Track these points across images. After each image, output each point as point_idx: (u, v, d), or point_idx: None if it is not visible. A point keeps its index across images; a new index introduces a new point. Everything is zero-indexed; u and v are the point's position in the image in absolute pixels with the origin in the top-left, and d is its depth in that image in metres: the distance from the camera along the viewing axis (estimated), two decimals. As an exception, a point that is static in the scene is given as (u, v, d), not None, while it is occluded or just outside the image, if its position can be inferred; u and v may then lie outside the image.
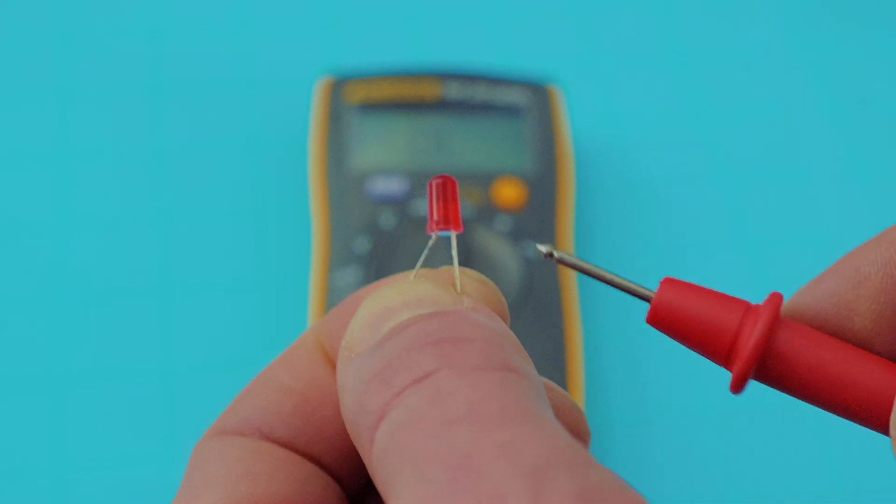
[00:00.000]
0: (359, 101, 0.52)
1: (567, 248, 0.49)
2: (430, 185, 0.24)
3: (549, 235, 0.49)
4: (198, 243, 0.52)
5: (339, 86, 0.52)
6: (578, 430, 0.25)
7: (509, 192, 0.50)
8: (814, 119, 0.58)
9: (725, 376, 0.24)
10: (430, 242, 0.24)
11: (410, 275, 0.24)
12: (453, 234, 0.24)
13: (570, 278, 0.48)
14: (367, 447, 0.20)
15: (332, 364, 0.24)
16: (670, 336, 0.24)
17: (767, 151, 0.57)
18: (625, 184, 0.55)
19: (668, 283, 0.24)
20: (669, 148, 0.57)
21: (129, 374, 0.48)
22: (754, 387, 0.24)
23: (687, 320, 0.23)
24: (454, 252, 0.24)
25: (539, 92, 0.53)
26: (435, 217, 0.24)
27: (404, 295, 0.22)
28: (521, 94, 0.53)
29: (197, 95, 0.56)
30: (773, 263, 0.53)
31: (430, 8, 0.60)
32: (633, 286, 0.24)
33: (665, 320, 0.24)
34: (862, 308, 0.23)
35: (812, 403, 0.23)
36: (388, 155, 0.51)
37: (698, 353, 0.24)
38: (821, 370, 0.23)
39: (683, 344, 0.24)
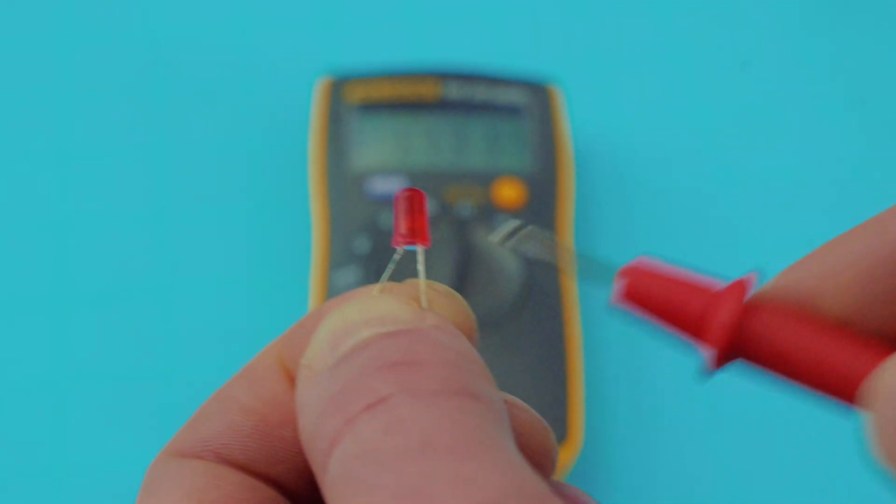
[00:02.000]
0: (359, 101, 0.52)
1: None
2: (396, 198, 0.24)
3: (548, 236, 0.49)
4: (198, 243, 0.52)
5: (339, 86, 0.52)
6: (545, 451, 0.24)
7: (509, 192, 0.50)
8: (813, 119, 0.58)
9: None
10: (395, 256, 0.24)
11: (374, 289, 0.23)
12: (420, 248, 0.24)
13: (570, 278, 0.48)
14: (321, 472, 0.20)
15: (293, 381, 0.23)
16: (642, 315, 0.23)
17: (767, 151, 0.57)
18: (625, 183, 0.55)
19: (637, 264, 0.23)
20: (669, 148, 0.57)
21: (127, 374, 0.48)
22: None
23: (658, 300, 0.23)
24: (420, 266, 0.23)
25: (539, 92, 0.53)
26: (401, 230, 0.24)
27: (365, 312, 0.21)
28: (521, 94, 0.53)
29: (197, 95, 0.56)
30: (773, 263, 0.53)
31: (430, 8, 0.60)
32: (600, 265, 0.24)
33: (636, 300, 0.23)
34: (833, 298, 0.22)
35: (788, 382, 0.22)
36: (388, 155, 0.51)
37: (671, 331, 0.23)
38: (795, 345, 0.22)
39: (655, 322, 0.23)
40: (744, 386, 0.49)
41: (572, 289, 0.48)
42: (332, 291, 0.47)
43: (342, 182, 0.50)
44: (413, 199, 0.24)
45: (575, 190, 0.51)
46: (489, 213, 0.49)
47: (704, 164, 0.56)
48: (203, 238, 0.52)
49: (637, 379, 0.50)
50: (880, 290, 0.22)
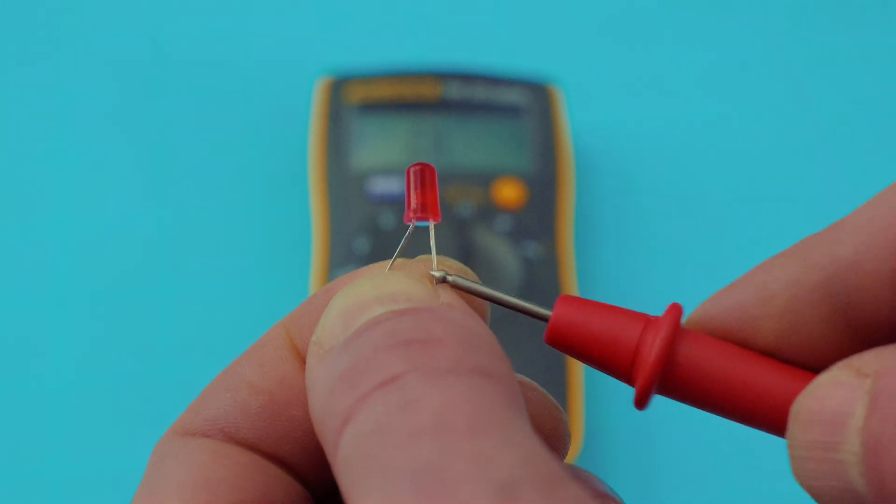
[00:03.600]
0: (359, 101, 0.52)
1: (567, 247, 0.49)
2: (408, 173, 0.23)
3: (549, 235, 0.49)
4: (198, 243, 0.52)
5: (339, 86, 0.52)
6: (557, 431, 0.24)
7: (509, 192, 0.50)
8: (813, 119, 0.58)
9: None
10: (408, 232, 0.23)
11: (386, 266, 0.23)
12: (431, 224, 0.23)
13: (570, 278, 0.48)
14: (332, 451, 0.20)
15: (302, 360, 0.23)
16: (572, 355, 0.23)
17: (766, 150, 0.57)
18: (624, 183, 0.55)
19: (565, 300, 0.23)
20: (669, 147, 0.57)
21: (127, 374, 0.48)
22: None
23: (586, 338, 0.23)
24: (432, 242, 0.23)
25: (539, 92, 0.53)
26: (413, 205, 0.23)
27: (378, 289, 0.21)
28: (521, 94, 0.53)
29: (197, 96, 0.56)
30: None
31: (430, 8, 0.60)
32: (529, 306, 0.23)
33: (564, 339, 0.23)
34: (766, 326, 0.22)
35: (717, 413, 0.23)
36: (388, 155, 0.51)
37: (601, 370, 0.23)
38: (723, 379, 0.22)
39: (585, 362, 0.23)
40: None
41: (572, 289, 0.48)
42: (332, 291, 0.47)
43: (342, 182, 0.50)
44: (423, 174, 0.23)
45: (575, 190, 0.51)
46: (489, 213, 0.49)
47: (704, 164, 0.56)
48: (203, 238, 0.52)
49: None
50: (808, 316, 0.22)
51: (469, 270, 0.23)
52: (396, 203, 0.49)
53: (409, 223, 0.23)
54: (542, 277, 0.48)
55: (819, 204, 0.55)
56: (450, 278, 0.22)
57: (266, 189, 0.54)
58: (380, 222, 0.49)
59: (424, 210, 0.23)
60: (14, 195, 0.53)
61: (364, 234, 0.48)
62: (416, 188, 0.23)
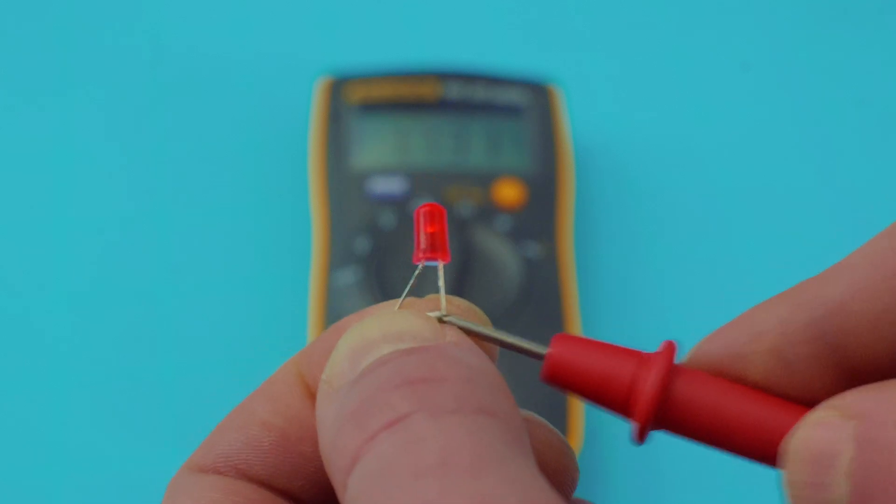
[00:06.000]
0: (359, 101, 0.52)
1: (567, 247, 0.49)
2: (417, 214, 0.24)
3: (549, 235, 0.49)
4: (198, 243, 0.52)
5: (339, 86, 0.52)
6: (565, 469, 0.24)
7: (509, 192, 0.50)
8: (813, 120, 0.58)
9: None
10: (417, 272, 0.24)
11: (396, 304, 0.23)
12: (440, 264, 0.24)
13: (570, 278, 0.48)
14: (341, 490, 0.20)
15: (313, 397, 0.23)
16: (568, 392, 0.23)
17: (766, 151, 0.57)
18: (624, 184, 0.55)
19: (560, 339, 0.23)
20: (669, 148, 0.57)
21: (128, 374, 0.48)
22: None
23: (582, 376, 0.23)
24: (441, 282, 0.23)
25: (539, 92, 0.53)
26: (422, 246, 0.24)
27: (385, 328, 0.22)
28: (521, 94, 0.53)
29: (197, 95, 0.56)
30: (772, 263, 0.53)
31: (430, 8, 0.60)
32: (524, 345, 0.23)
33: (561, 377, 0.23)
34: (756, 362, 0.23)
35: (714, 447, 0.23)
36: (388, 155, 0.51)
37: (598, 406, 0.23)
38: (717, 415, 0.23)
39: (582, 398, 0.23)
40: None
41: (572, 289, 0.48)
42: (332, 291, 0.47)
43: (342, 182, 0.50)
44: (433, 215, 0.24)
45: (575, 190, 0.51)
46: (489, 213, 0.49)
47: (704, 165, 0.56)
48: (203, 238, 0.52)
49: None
50: (796, 354, 0.22)
51: (477, 310, 0.24)
52: (396, 203, 0.49)
53: (417, 263, 0.24)
54: (542, 277, 0.48)
55: (819, 203, 0.55)
56: (445, 318, 0.23)
57: (266, 189, 0.54)
58: (380, 222, 0.49)
59: (434, 250, 0.24)
60: (15, 195, 0.53)
61: (364, 234, 0.48)
62: (425, 229, 0.24)
